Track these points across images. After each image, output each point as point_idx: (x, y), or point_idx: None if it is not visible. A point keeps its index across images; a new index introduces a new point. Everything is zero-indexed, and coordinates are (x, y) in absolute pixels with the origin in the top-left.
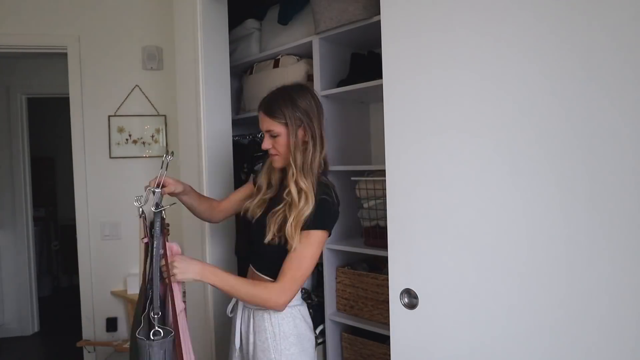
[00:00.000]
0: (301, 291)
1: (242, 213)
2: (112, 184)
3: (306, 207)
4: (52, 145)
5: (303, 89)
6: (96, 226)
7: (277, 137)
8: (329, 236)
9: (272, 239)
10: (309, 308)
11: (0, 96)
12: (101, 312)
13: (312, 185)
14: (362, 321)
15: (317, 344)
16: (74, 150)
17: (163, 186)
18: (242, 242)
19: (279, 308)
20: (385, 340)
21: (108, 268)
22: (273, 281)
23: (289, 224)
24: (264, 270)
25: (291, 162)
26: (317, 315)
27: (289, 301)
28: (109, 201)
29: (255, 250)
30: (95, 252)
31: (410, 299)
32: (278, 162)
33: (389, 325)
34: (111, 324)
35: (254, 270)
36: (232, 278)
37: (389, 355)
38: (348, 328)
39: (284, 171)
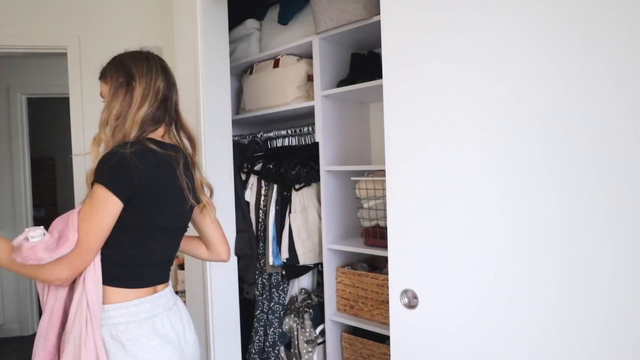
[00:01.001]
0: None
1: None
2: None
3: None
4: (52, 145)
5: (139, 52)
6: None
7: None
8: (120, 199)
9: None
10: (309, 308)
11: (0, 96)
12: None
13: (110, 140)
14: (362, 321)
15: (316, 344)
16: (74, 150)
17: None
18: (242, 242)
19: (59, 281)
20: (385, 340)
21: None
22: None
23: None
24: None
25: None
26: (317, 315)
27: (71, 275)
28: None
29: None
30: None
31: (410, 299)
32: None
33: (389, 325)
34: None
35: None
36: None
37: (389, 355)
38: (348, 328)
39: None
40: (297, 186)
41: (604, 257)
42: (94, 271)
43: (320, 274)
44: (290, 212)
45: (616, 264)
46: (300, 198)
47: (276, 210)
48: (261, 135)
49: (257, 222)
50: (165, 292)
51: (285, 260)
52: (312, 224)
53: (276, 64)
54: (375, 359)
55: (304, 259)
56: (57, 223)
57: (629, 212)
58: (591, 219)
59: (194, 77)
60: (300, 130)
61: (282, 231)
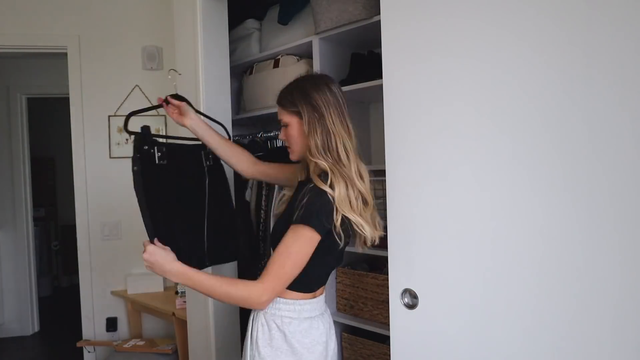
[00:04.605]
0: (312, 307)
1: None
2: (112, 184)
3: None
4: (52, 146)
5: (318, 79)
6: (96, 226)
7: (287, 128)
8: (322, 239)
9: None
10: None
11: (0, 96)
12: (101, 312)
13: (338, 171)
14: (362, 321)
15: None
16: (74, 150)
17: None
18: (245, 244)
19: (260, 307)
20: (385, 340)
21: (108, 268)
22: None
23: None
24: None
25: (309, 146)
26: None
27: (271, 300)
28: (109, 201)
29: (269, 252)
30: (95, 252)
31: (410, 299)
32: (291, 155)
33: (389, 325)
34: (111, 324)
35: None
36: (206, 278)
37: (389, 355)
38: (348, 328)
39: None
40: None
41: (606, 258)
42: None
43: None
44: None
45: (618, 265)
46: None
47: None
48: (261, 135)
49: (258, 222)
50: (322, 297)
51: None
52: None
53: (276, 64)
54: (375, 359)
55: None
56: None
57: (631, 213)
58: (591, 219)
59: (194, 77)
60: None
61: None
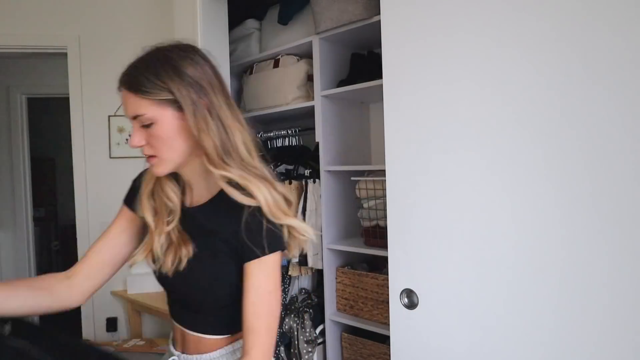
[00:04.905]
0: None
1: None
2: (112, 184)
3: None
4: (52, 146)
5: (187, 49)
6: (96, 226)
7: (151, 126)
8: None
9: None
10: (309, 308)
11: (0, 96)
12: (101, 312)
13: (252, 175)
14: (362, 321)
15: (316, 344)
16: (74, 150)
17: None
18: None
19: None
20: (385, 340)
21: None
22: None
23: None
24: (215, 329)
25: (206, 148)
26: (317, 315)
27: None
28: (109, 201)
29: (193, 308)
30: None
31: (410, 299)
32: (159, 167)
33: (389, 325)
34: (111, 324)
35: (195, 333)
36: None
37: (389, 355)
38: (348, 328)
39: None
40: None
41: (604, 259)
42: None
43: (320, 273)
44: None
45: (617, 266)
46: (310, 200)
47: None
48: (261, 135)
49: None
50: None
51: (296, 262)
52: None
53: (276, 64)
54: (375, 359)
55: (312, 261)
56: None
57: (629, 215)
58: (591, 219)
59: None
60: (293, 131)
61: None
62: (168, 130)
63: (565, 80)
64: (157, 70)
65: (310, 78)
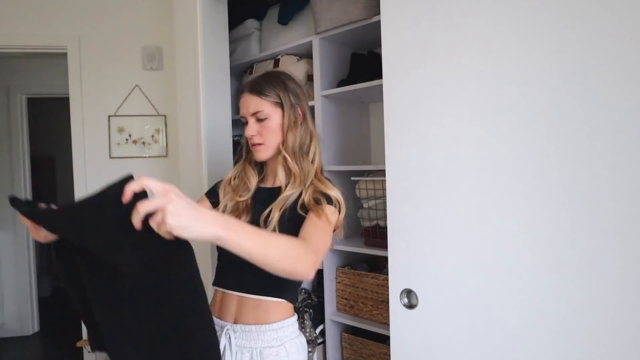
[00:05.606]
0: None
1: None
2: None
3: (294, 194)
4: (52, 145)
5: (289, 74)
6: None
7: (265, 121)
8: (334, 231)
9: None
10: (309, 308)
11: (0, 96)
12: None
13: (307, 174)
14: (362, 321)
15: (316, 344)
16: (74, 150)
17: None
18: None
19: (308, 271)
20: (385, 340)
21: None
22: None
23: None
24: (267, 291)
25: (281, 147)
26: (317, 315)
27: (316, 269)
28: None
29: (245, 270)
30: None
31: (410, 299)
32: (263, 152)
33: (389, 325)
34: None
35: (245, 294)
36: (256, 228)
37: (389, 355)
38: (348, 328)
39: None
40: None
41: (605, 259)
42: None
43: (320, 273)
44: None
45: (618, 268)
46: None
47: None
48: None
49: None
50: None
51: None
52: None
53: (276, 64)
54: (375, 359)
55: None
56: None
57: (630, 216)
58: (594, 221)
59: (194, 77)
60: None
61: None
62: (276, 124)
63: (572, 78)
64: (273, 82)
65: (310, 78)
